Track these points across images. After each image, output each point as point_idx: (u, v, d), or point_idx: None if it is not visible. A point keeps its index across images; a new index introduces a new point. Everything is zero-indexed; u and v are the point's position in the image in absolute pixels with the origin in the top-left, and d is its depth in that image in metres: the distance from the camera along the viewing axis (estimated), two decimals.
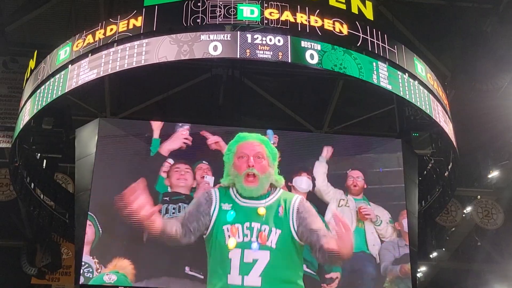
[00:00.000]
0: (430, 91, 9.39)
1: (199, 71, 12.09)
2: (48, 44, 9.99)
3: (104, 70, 8.29)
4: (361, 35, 8.67)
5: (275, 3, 8.40)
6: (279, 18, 8.33)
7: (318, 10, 8.54)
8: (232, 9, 8.28)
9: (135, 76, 9.69)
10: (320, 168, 9.59)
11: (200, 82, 12.23)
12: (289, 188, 9.34)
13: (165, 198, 9.07)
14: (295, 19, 8.38)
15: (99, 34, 8.57)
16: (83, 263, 8.65)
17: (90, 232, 8.79)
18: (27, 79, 9.75)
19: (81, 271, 8.61)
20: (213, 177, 9.23)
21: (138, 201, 8.76)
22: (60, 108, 9.74)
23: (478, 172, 14.73)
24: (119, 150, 9.33)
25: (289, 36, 8.29)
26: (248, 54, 8.12)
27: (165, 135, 9.40)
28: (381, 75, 8.64)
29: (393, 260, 9.40)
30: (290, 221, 8.84)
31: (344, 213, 9.46)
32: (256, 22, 8.31)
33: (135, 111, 12.61)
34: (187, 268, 8.71)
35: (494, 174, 14.40)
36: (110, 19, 8.69)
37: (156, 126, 9.46)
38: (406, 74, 9.01)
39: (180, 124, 9.50)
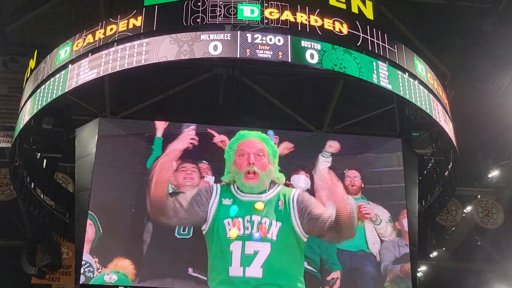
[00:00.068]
0: (430, 90, 9.39)
1: (199, 70, 12.08)
2: (48, 44, 9.99)
3: (104, 70, 8.30)
4: (361, 34, 8.68)
5: (275, 2, 8.41)
6: (279, 17, 8.34)
7: (318, 10, 8.55)
8: (232, 8, 8.29)
9: (135, 75, 9.68)
10: (324, 163, 9.57)
11: (200, 81, 12.22)
12: (287, 186, 9.37)
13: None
14: (295, 18, 8.39)
15: (99, 33, 8.57)
16: (84, 262, 8.67)
17: (90, 232, 8.81)
18: (27, 79, 9.76)
19: (82, 270, 8.63)
20: (213, 177, 9.27)
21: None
22: (60, 108, 9.75)
23: (478, 172, 14.72)
24: (119, 149, 9.34)
25: (289, 36, 8.30)
26: (248, 53, 8.13)
27: (169, 135, 9.41)
28: (381, 75, 8.64)
29: (394, 260, 9.41)
30: (292, 214, 8.94)
31: None
32: (256, 22, 8.31)
33: (135, 110, 12.60)
34: (190, 269, 8.74)
35: (494, 173, 14.40)
36: (110, 19, 8.69)
37: (160, 125, 9.49)
38: (406, 73, 9.02)
39: (186, 124, 9.51)
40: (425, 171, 10.96)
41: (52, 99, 8.70)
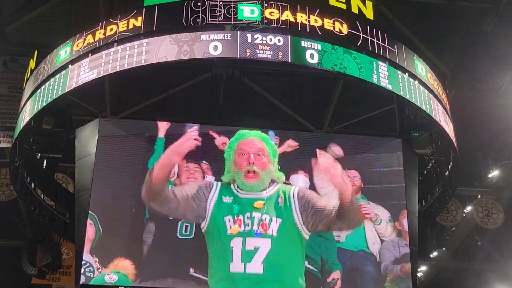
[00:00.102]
0: (430, 90, 9.39)
1: (199, 70, 12.08)
2: (48, 44, 9.99)
3: (104, 70, 8.30)
4: (361, 34, 8.68)
5: (275, 2, 8.41)
6: (279, 18, 8.34)
7: (318, 10, 8.55)
8: (232, 8, 8.29)
9: (135, 76, 9.68)
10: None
11: (200, 81, 12.22)
12: (286, 184, 9.36)
13: None
14: (295, 18, 8.39)
15: (99, 34, 8.57)
16: (84, 262, 8.67)
17: (91, 231, 8.82)
18: (27, 79, 9.76)
19: (82, 270, 8.63)
20: (213, 177, 9.27)
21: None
22: (60, 108, 9.75)
23: (478, 172, 14.72)
24: (119, 149, 9.34)
25: (289, 36, 8.30)
26: (248, 54, 8.13)
27: (171, 135, 9.41)
28: (381, 75, 8.64)
29: (394, 260, 9.42)
30: (293, 210, 8.95)
31: None
32: (256, 22, 8.31)
33: (135, 110, 12.60)
34: (191, 270, 8.74)
35: (494, 173, 14.40)
36: (110, 19, 8.69)
37: (162, 126, 9.50)
38: (406, 73, 9.01)
39: (189, 125, 9.52)
40: (425, 171, 10.96)
41: (52, 99, 8.70)
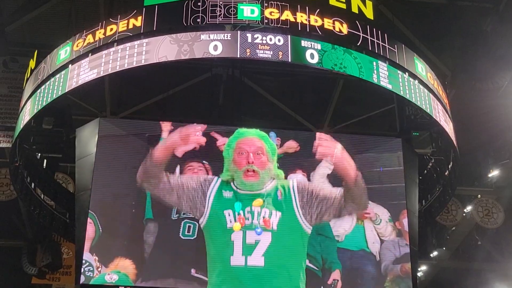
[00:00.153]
0: (430, 90, 9.39)
1: (199, 70, 12.08)
2: (48, 44, 9.99)
3: (104, 70, 8.30)
4: (361, 34, 8.68)
5: (275, 2, 8.41)
6: (279, 17, 8.34)
7: (318, 10, 8.55)
8: (232, 8, 8.29)
9: (135, 75, 9.68)
10: (323, 169, 9.57)
11: (200, 81, 12.22)
12: None
13: None
14: (295, 18, 8.39)
15: (99, 34, 8.57)
16: (84, 262, 8.68)
17: (91, 230, 8.84)
18: (27, 79, 9.76)
19: (82, 270, 8.63)
20: (214, 177, 9.25)
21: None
22: (60, 108, 9.76)
23: (479, 171, 14.72)
24: (119, 149, 9.34)
25: (289, 36, 8.31)
26: (248, 53, 8.13)
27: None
28: (381, 75, 8.64)
29: (394, 260, 9.42)
30: (294, 203, 9.00)
31: None
32: (256, 22, 8.31)
33: (135, 110, 12.60)
34: (193, 270, 8.76)
35: (495, 173, 14.40)
36: (110, 19, 8.70)
37: (166, 126, 9.51)
38: (406, 73, 9.02)
39: (192, 125, 9.51)
40: (425, 171, 10.96)
41: (52, 99, 8.70)
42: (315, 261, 9.11)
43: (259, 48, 8.16)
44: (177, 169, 9.17)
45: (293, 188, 9.13)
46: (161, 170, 9.00)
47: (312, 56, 8.27)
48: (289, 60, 8.22)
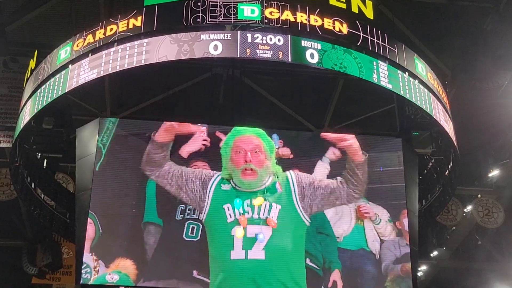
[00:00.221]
0: (431, 90, 9.39)
1: (199, 70, 12.08)
2: (48, 44, 9.99)
3: (104, 70, 8.29)
4: (361, 34, 8.68)
5: (275, 2, 8.40)
6: (279, 17, 8.34)
7: (318, 10, 8.54)
8: (233, 8, 8.28)
9: (135, 75, 9.68)
10: (321, 168, 9.58)
11: (201, 81, 12.22)
12: None
13: None
14: (295, 18, 8.38)
15: (99, 33, 8.56)
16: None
17: (91, 230, 8.83)
18: (27, 79, 9.75)
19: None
20: (215, 172, 9.26)
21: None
22: (60, 108, 9.76)
23: (479, 171, 14.72)
24: (119, 149, 9.33)
25: (289, 36, 8.30)
26: (249, 53, 8.12)
27: (179, 137, 9.41)
28: (381, 74, 8.64)
29: (394, 259, 9.43)
30: (293, 195, 9.05)
31: (343, 211, 9.52)
32: (256, 22, 8.30)
33: (135, 110, 12.60)
34: (194, 272, 8.76)
35: (495, 173, 14.40)
36: (110, 19, 8.69)
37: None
38: (407, 73, 9.01)
39: (199, 125, 9.53)
40: (426, 171, 10.96)
41: (53, 99, 8.69)
42: (316, 260, 9.11)
43: (259, 48, 8.15)
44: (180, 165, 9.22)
45: (292, 179, 9.13)
46: (163, 157, 9.04)
47: (312, 56, 8.27)
48: (289, 60, 8.21)
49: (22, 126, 9.32)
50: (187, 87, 12.27)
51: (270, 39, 8.22)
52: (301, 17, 8.41)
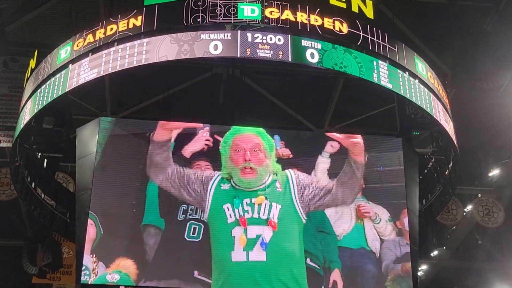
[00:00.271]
0: (431, 89, 9.39)
1: (199, 70, 12.08)
2: (48, 44, 9.99)
3: (104, 70, 8.29)
4: (362, 34, 8.68)
5: (275, 2, 8.40)
6: (279, 17, 8.33)
7: (318, 9, 8.54)
8: (233, 8, 8.28)
9: (135, 75, 9.69)
10: (322, 164, 9.58)
11: (201, 81, 12.23)
12: None
13: None
14: (296, 18, 8.38)
15: (100, 33, 8.57)
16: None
17: (92, 231, 8.82)
18: (27, 79, 9.76)
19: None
20: (215, 172, 9.26)
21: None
22: (60, 108, 9.76)
23: (479, 171, 14.73)
24: (120, 149, 9.34)
25: (289, 35, 8.30)
26: (249, 53, 8.12)
27: (181, 135, 9.42)
28: (382, 74, 8.64)
29: (395, 259, 9.43)
30: (293, 196, 9.02)
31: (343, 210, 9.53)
32: (256, 21, 8.30)
33: (135, 110, 12.61)
34: (196, 272, 8.75)
35: (495, 172, 14.41)
36: (111, 19, 8.69)
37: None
38: (407, 72, 9.01)
39: (202, 125, 9.52)
40: (426, 170, 10.96)
41: (53, 99, 8.69)
42: (316, 259, 9.11)
43: (259, 47, 8.15)
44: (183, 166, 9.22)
45: (291, 178, 9.12)
46: (165, 158, 9.03)
47: (312, 55, 8.27)
48: (289, 60, 8.21)
49: (22, 126, 9.32)
50: (187, 87, 12.28)
51: (270, 39, 8.22)
52: (301, 17, 8.41)
